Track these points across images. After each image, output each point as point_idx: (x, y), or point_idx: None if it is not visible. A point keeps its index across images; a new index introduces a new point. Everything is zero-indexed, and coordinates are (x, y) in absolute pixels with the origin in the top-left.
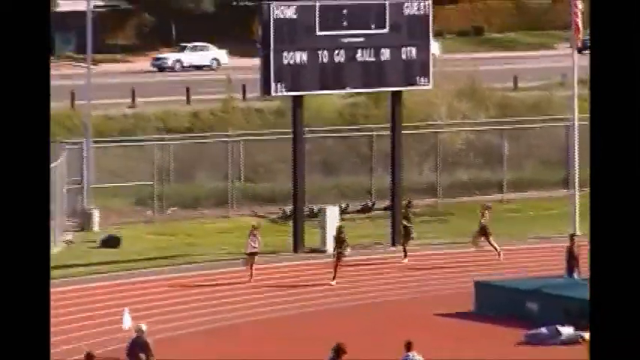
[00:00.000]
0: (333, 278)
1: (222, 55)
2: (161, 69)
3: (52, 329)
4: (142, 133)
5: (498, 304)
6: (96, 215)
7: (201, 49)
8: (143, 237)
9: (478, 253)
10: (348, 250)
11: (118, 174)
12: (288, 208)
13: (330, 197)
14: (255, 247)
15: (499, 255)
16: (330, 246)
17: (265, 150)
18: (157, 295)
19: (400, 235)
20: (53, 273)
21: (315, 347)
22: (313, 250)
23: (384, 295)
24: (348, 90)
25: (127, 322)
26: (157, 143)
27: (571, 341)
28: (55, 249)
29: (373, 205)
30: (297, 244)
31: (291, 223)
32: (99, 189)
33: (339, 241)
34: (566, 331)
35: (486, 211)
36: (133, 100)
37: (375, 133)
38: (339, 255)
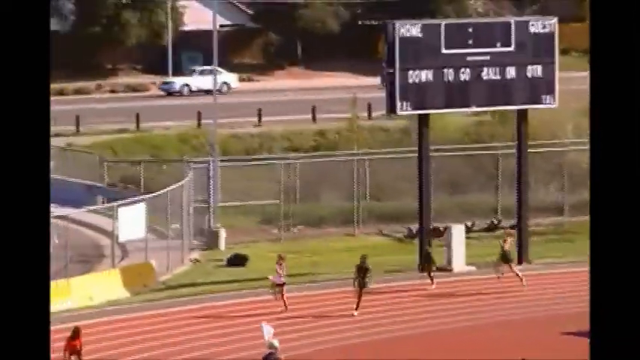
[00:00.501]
0: (356, 308)
1: (232, 78)
2: (169, 93)
3: (187, 345)
4: (268, 152)
5: None
6: (222, 234)
7: (209, 72)
8: (269, 256)
9: None
10: (372, 281)
11: (244, 193)
12: (414, 227)
13: (456, 216)
14: (282, 278)
15: (522, 281)
16: (456, 265)
17: (391, 168)
18: (284, 314)
19: (422, 262)
20: (181, 291)
21: None
22: (439, 269)
23: (510, 314)
24: (474, 108)
25: (268, 334)
26: (283, 162)
27: None
28: (183, 267)
29: (499, 223)
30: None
31: (416, 241)
32: (225, 208)
33: (362, 270)
34: None
35: (509, 238)
36: (259, 119)
37: (500, 151)
38: (361, 285)
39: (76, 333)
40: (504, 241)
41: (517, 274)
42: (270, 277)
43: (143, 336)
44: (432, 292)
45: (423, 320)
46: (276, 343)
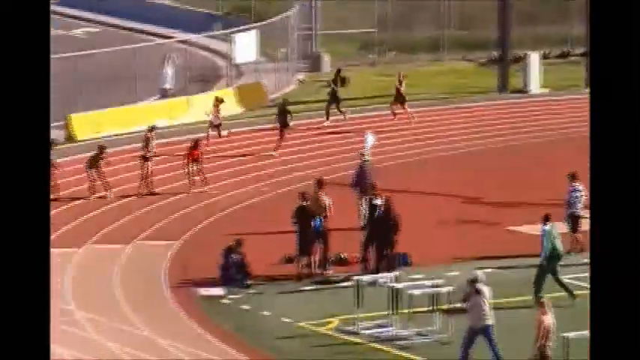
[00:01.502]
0: (276, 149)
1: None
2: None
3: (297, 156)
4: None
5: None
6: (325, 58)
7: None
8: (367, 78)
9: None
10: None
11: (344, 22)
12: (496, 53)
13: (532, 45)
14: (218, 119)
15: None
16: (533, 87)
17: (477, 1)
18: (383, 128)
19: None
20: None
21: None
22: (516, 91)
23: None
24: None
25: (370, 142)
26: None
27: None
28: (290, 87)
29: (571, 51)
30: (503, 86)
31: (497, 66)
32: (327, 35)
33: (284, 112)
34: None
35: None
36: None
37: None
38: (283, 125)
39: (195, 143)
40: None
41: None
42: (209, 116)
43: (253, 148)
44: (511, 111)
45: (503, 135)
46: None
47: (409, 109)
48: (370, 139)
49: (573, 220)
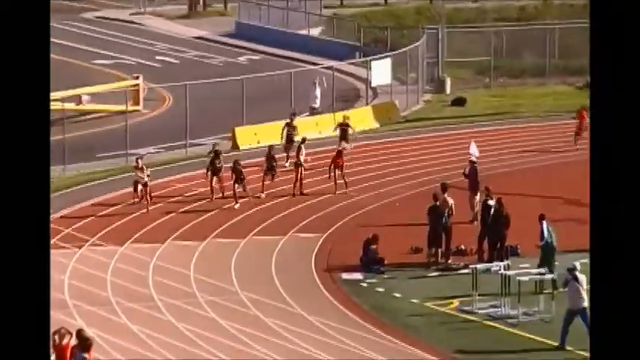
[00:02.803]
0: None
1: None
2: None
3: (418, 159)
4: (482, 21)
5: None
6: (448, 82)
7: None
8: (482, 99)
9: None
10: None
11: (463, 52)
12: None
13: None
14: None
15: None
16: None
17: (575, 34)
18: (495, 141)
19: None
20: (416, 123)
21: None
22: None
23: None
24: None
25: (474, 151)
26: (494, 29)
27: None
28: (418, 106)
29: None
30: None
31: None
32: (450, 62)
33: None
34: None
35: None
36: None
37: None
38: (267, 172)
39: (339, 153)
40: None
41: None
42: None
43: (389, 155)
44: None
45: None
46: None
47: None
48: (474, 147)
49: None
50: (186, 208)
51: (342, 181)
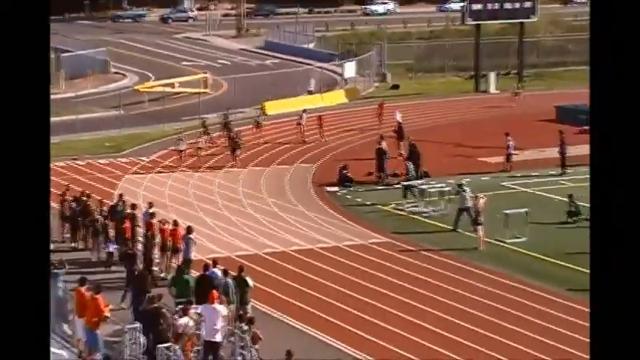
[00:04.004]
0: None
1: None
2: None
3: (367, 124)
4: (409, 39)
5: None
6: (388, 75)
7: None
8: (408, 85)
9: None
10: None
11: (398, 57)
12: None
13: (492, 68)
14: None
15: None
16: (491, 89)
17: (465, 47)
18: (416, 110)
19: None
20: (369, 100)
21: None
22: (483, 91)
23: None
24: None
25: (399, 117)
26: (415, 44)
27: None
28: (370, 90)
29: (509, 72)
30: (476, 89)
31: (474, 79)
32: (389, 64)
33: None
34: None
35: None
36: None
37: None
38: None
39: (320, 118)
40: None
41: None
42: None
43: (353, 118)
44: (477, 102)
45: (478, 113)
46: None
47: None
48: (398, 114)
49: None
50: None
51: (321, 135)
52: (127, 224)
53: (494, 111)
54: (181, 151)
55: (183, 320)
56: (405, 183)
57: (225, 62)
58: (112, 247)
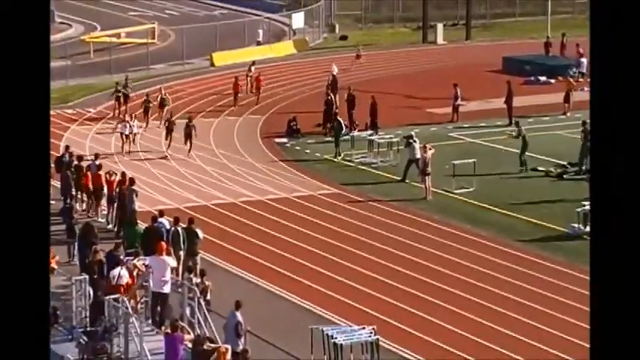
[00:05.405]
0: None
1: None
2: None
3: (314, 74)
4: None
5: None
6: (337, 26)
7: None
8: (357, 36)
9: None
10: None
11: (347, 8)
12: (420, 24)
13: (441, 19)
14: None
15: None
16: (439, 40)
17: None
18: (364, 60)
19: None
20: (317, 51)
21: None
22: (431, 42)
23: None
24: None
25: (334, 68)
26: None
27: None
28: (319, 41)
29: (455, 23)
30: (424, 40)
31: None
32: (338, 14)
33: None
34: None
35: None
36: None
37: None
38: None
39: (258, 77)
40: None
41: None
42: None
43: (302, 69)
44: (426, 52)
45: (424, 64)
46: None
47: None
48: (334, 66)
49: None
50: (186, 99)
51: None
52: (69, 175)
53: (442, 62)
54: (127, 135)
55: (116, 271)
56: (355, 134)
57: (173, 13)
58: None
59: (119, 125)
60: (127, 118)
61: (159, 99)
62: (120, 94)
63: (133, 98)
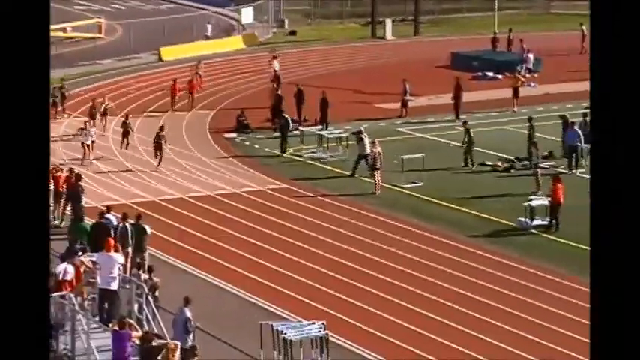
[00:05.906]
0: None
1: None
2: None
3: (262, 68)
4: None
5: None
6: (286, 21)
7: None
8: (306, 32)
9: None
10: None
11: (296, 4)
12: (369, 19)
13: (390, 14)
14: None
15: None
16: (388, 36)
17: None
18: (313, 56)
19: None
20: (266, 46)
21: None
22: (380, 38)
23: None
24: None
25: (276, 65)
26: None
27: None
28: (268, 36)
29: (404, 19)
30: (373, 35)
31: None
32: (287, 10)
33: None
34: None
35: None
36: None
37: None
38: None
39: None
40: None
41: None
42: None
43: (250, 64)
44: (374, 47)
45: (374, 59)
46: None
47: None
48: (276, 63)
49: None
50: (133, 95)
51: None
52: None
53: (391, 57)
54: (88, 145)
55: (62, 267)
56: (305, 130)
57: (119, 7)
58: None
59: (82, 133)
60: (88, 126)
61: (102, 108)
62: (56, 97)
63: (73, 95)
